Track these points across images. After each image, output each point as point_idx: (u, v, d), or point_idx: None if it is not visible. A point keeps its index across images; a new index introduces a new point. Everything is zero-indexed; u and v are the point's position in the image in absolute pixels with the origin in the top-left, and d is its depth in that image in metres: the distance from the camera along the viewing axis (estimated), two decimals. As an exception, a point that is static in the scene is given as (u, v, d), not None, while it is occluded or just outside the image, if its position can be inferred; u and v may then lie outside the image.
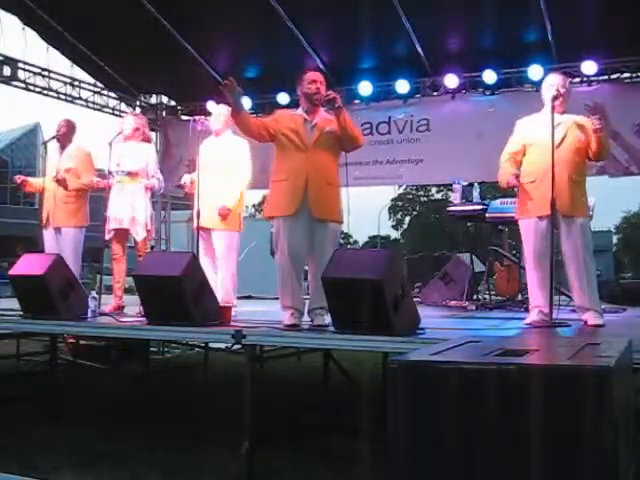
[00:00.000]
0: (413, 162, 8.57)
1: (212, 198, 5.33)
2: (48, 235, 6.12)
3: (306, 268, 4.64)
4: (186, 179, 5.66)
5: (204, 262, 5.26)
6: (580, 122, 4.49)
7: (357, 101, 8.92)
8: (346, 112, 4.46)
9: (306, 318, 4.46)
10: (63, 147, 6.15)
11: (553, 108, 4.37)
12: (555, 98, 4.40)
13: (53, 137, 6.16)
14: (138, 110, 9.70)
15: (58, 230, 6.07)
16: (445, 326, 4.53)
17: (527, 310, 5.63)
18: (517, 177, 4.48)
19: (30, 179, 6.46)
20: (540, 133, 4.43)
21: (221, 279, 5.40)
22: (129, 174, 5.71)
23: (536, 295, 4.48)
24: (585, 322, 4.42)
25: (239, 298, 5.83)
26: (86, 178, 6.04)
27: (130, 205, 5.70)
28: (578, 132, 4.45)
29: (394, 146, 8.68)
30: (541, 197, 4.34)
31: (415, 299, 4.68)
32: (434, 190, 40.56)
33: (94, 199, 6.30)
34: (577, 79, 7.61)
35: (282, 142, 4.49)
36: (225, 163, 5.43)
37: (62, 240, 6.05)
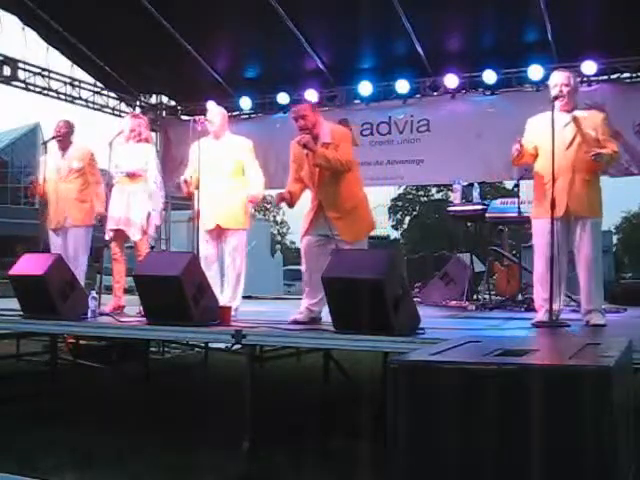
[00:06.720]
0: (413, 162, 8.57)
1: (221, 199, 5.31)
2: (55, 236, 6.11)
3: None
4: (186, 176, 5.46)
5: (208, 263, 5.27)
6: (587, 117, 4.48)
7: (357, 101, 8.93)
8: (328, 148, 4.62)
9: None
10: (63, 147, 6.14)
11: (553, 109, 4.36)
12: (555, 99, 4.40)
13: (53, 137, 6.15)
14: (138, 110, 9.70)
15: (67, 230, 6.05)
16: (445, 326, 4.53)
17: (527, 310, 5.66)
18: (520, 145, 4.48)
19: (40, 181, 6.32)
20: (549, 134, 4.33)
21: (229, 279, 5.38)
22: (128, 175, 5.71)
23: (544, 295, 4.46)
24: (586, 322, 4.42)
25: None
26: (93, 179, 6.11)
27: (126, 206, 5.68)
28: (588, 130, 4.43)
29: (394, 146, 8.68)
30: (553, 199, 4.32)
31: (415, 299, 4.68)
32: (434, 190, 40.47)
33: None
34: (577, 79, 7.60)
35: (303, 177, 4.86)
36: (236, 163, 5.41)
37: (72, 240, 6.03)
